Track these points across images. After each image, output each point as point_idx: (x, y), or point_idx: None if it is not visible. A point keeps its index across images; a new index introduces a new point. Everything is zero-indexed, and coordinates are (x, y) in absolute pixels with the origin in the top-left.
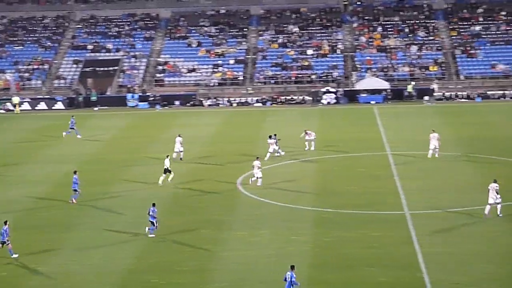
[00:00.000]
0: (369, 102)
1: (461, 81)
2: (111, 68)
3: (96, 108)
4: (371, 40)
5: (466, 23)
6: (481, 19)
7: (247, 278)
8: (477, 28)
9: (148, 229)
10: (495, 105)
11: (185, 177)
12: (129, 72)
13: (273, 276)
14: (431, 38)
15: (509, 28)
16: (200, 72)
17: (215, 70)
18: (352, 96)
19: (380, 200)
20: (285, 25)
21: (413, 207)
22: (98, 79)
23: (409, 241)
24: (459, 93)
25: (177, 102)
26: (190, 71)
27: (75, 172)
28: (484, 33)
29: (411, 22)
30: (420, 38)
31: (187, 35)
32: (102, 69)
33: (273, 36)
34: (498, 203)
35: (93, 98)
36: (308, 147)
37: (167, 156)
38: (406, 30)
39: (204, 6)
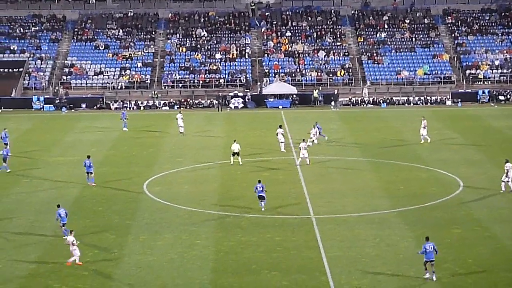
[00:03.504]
0: (277, 107)
1: (367, 87)
2: (15, 70)
3: None
4: (279, 45)
5: (372, 29)
6: (386, 26)
7: (149, 282)
8: (383, 35)
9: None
10: (399, 111)
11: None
12: (35, 74)
13: (176, 280)
14: (338, 44)
15: (412, 36)
16: (107, 75)
17: (122, 73)
18: (259, 101)
19: (285, 204)
20: (193, 29)
21: (318, 211)
22: (2, 81)
23: (314, 245)
24: (365, 98)
25: (83, 105)
26: (97, 73)
27: (88, 157)
28: (389, 40)
29: (319, 27)
30: (328, 44)
31: (94, 37)
32: (6, 70)
33: (181, 39)
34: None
35: None
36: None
37: (234, 141)
38: (314, 35)
39: (111, 8)
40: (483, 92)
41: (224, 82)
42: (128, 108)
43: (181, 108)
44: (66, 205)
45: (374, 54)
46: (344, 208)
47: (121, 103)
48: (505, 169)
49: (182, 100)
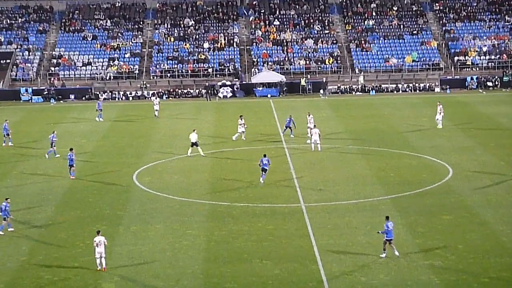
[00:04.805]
0: (266, 96)
1: (356, 75)
2: (3, 62)
3: None
4: (267, 33)
5: (360, 17)
6: (374, 13)
7: (141, 272)
8: (371, 22)
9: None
10: (388, 98)
11: (81, 172)
12: (23, 66)
13: (167, 270)
14: (326, 32)
15: (400, 23)
16: (96, 66)
17: (111, 63)
18: (248, 90)
19: (276, 193)
20: (181, 19)
21: (309, 200)
22: None
23: (305, 233)
24: (353, 86)
25: (72, 96)
26: (85, 64)
27: (71, 150)
28: (377, 27)
29: (307, 16)
30: (316, 32)
31: (82, 28)
32: None
33: (169, 29)
34: None
35: None
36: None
37: (194, 130)
38: (302, 23)
39: None
40: (472, 79)
41: (212, 71)
42: (116, 99)
43: (157, 95)
44: (57, 197)
45: (363, 42)
46: (335, 196)
47: (110, 93)
48: None
49: (171, 90)
